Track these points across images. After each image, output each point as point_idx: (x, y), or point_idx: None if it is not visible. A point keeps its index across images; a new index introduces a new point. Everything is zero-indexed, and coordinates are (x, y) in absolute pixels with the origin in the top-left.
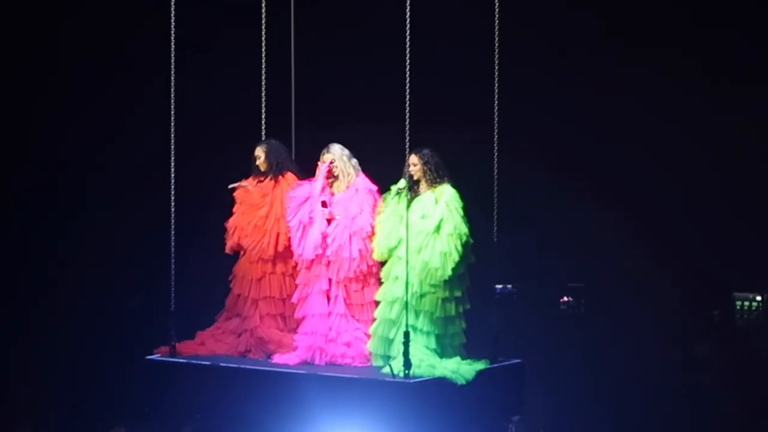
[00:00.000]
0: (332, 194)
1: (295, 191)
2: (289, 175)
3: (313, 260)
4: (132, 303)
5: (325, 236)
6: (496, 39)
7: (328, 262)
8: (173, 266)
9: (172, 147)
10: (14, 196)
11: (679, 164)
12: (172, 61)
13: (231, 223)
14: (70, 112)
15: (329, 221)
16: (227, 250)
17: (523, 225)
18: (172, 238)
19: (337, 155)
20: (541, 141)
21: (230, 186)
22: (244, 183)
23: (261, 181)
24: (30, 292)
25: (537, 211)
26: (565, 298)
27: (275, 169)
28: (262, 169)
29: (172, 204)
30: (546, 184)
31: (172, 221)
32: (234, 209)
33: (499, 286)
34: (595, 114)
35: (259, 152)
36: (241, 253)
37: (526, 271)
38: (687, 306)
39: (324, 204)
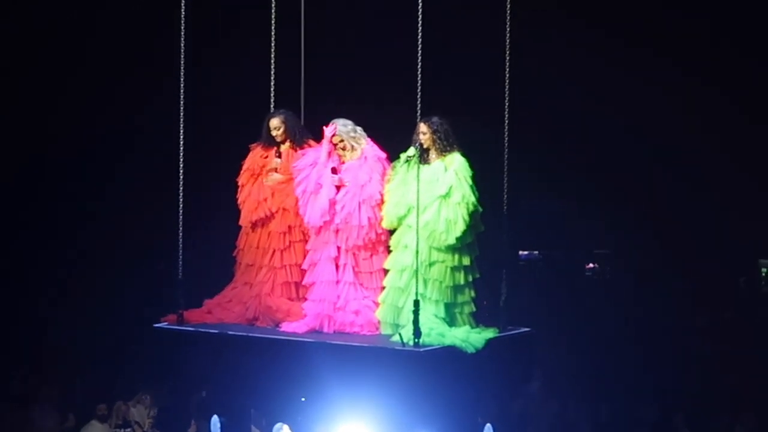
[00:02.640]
0: (342, 162)
1: (300, 160)
2: (314, 144)
3: (321, 227)
4: (159, 266)
5: (333, 203)
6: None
7: (337, 230)
8: (181, 235)
9: (181, 117)
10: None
11: (707, 133)
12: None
13: (255, 196)
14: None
15: (338, 188)
16: (245, 223)
17: (551, 192)
18: (180, 208)
19: (342, 132)
20: (562, 110)
21: (266, 182)
22: (277, 176)
23: (278, 153)
24: (47, 263)
25: (563, 179)
26: (591, 265)
27: (298, 139)
28: (280, 139)
29: (181, 174)
30: (568, 154)
31: (181, 191)
32: (242, 181)
33: (525, 252)
34: (620, 84)
35: (278, 123)
36: (250, 224)
37: (553, 237)
38: (713, 272)
39: (334, 170)
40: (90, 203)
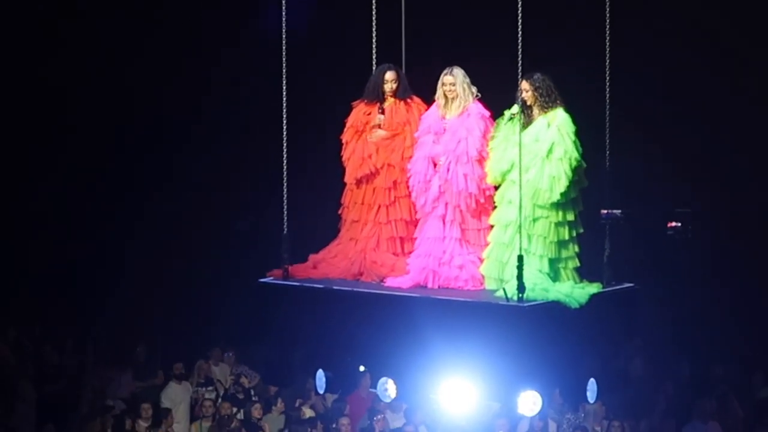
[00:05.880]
0: (443, 117)
1: (414, 153)
2: (417, 99)
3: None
4: (240, 227)
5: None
6: None
7: (445, 191)
8: (285, 189)
9: (284, 74)
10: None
11: None
12: None
13: (360, 152)
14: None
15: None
16: (350, 179)
17: (632, 149)
18: (284, 161)
19: (458, 79)
20: (654, 66)
21: (370, 139)
22: (381, 132)
23: (381, 109)
24: (137, 221)
25: (646, 135)
26: (673, 223)
27: (405, 94)
28: (391, 93)
29: (284, 128)
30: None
31: (284, 145)
32: (347, 138)
33: (605, 211)
34: (711, 40)
35: (393, 76)
36: (355, 181)
37: (634, 195)
38: None
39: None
40: (193, 160)
